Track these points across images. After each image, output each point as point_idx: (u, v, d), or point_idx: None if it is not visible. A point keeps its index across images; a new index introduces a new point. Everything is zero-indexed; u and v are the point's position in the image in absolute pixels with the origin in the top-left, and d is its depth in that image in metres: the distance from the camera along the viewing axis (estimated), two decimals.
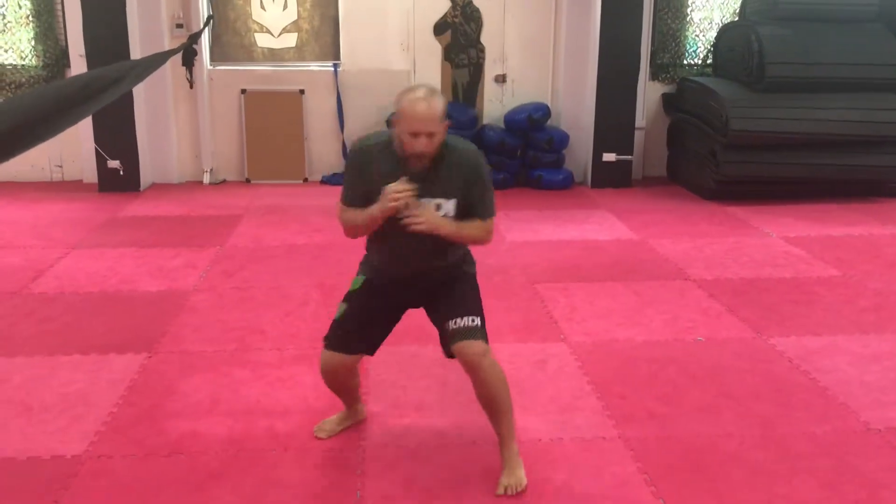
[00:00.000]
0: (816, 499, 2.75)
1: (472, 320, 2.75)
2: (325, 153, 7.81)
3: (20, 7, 7.34)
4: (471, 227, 2.76)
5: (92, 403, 3.36)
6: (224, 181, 7.77)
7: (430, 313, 2.93)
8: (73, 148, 7.46)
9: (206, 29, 7.39)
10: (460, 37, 7.76)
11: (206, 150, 7.67)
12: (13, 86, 7.37)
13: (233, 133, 7.73)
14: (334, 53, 7.72)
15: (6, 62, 7.42)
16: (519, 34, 7.80)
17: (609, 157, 7.50)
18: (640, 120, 7.75)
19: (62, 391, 3.47)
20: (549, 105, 7.69)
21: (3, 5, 7.34)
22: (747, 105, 6.77)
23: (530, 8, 7.74)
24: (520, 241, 5.77)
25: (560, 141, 7.53)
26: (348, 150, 2.84)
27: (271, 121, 7.66)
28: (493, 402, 2.78)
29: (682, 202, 7.06)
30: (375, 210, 2.66)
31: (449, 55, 7.79)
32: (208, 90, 7.58)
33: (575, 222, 6.36)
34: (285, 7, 7.62)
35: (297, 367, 3.71)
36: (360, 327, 2.88)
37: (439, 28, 7.73)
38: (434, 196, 2.69)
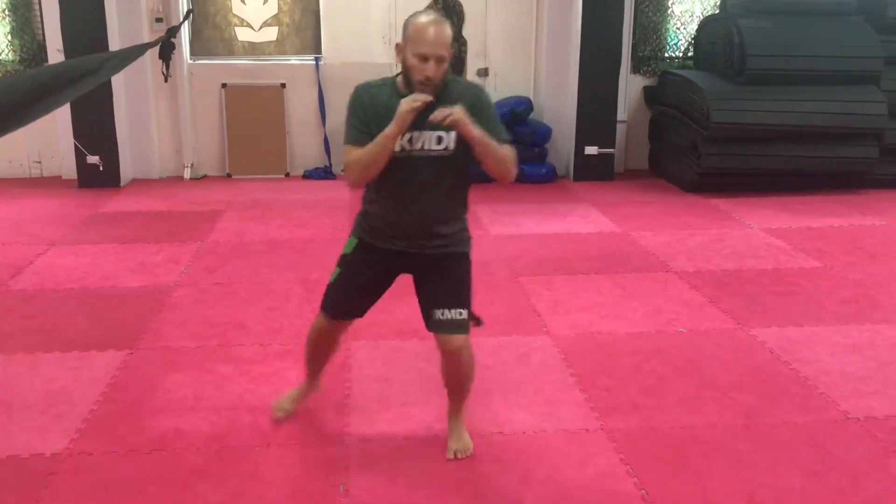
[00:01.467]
0: (799, 487, 2.77)
1: (460, 313, 2.75)
2: (306, 147, 7.77)
3: None
4: (497, 145, 2.66)
5: (73, 401, 3.33)
6: (205, 176, 7.72)
7: (419, 286, 2.85)
8: (51, 144, 7.38)
9: (186, 23, 7.33)
10: None
11: (187, 145, 7.61)
12: None
13: (214, 128, 7.68)
14: (315, 47, 7.68)
15: None
16: (501, 28, 7.80)
17: (591, 150, 7.51)
18: (622, 113, 7.77)
19: (43, 389, 3.44)
20: (532, 99, 7.69)
21: None
22: (728, 97, 6.80)
23: (512, 1, 7.73)
24: (503, 234, 5.77)
25: (542, 135, 7.53)
26: (350, 97, 2.73)
27: (252, 115, 7.61)
28: (459, 385, 2.91)
29: (663, 195, 7.08)
30: (390, 128, 2.53)
31: None
32: (189, 85, 7.53)
33: (558, 216, 6.37)
34: (265, 1, 7.57)
35: (280, 363, 3.69)
36: (352, 292, 2.88)
37: None
38: (435, 128, 2.62)
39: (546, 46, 7.69)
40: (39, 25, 7.27)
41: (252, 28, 7.64)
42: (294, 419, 3.19)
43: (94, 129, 7.02)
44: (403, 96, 2.60)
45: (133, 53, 2.67)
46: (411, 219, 2.73)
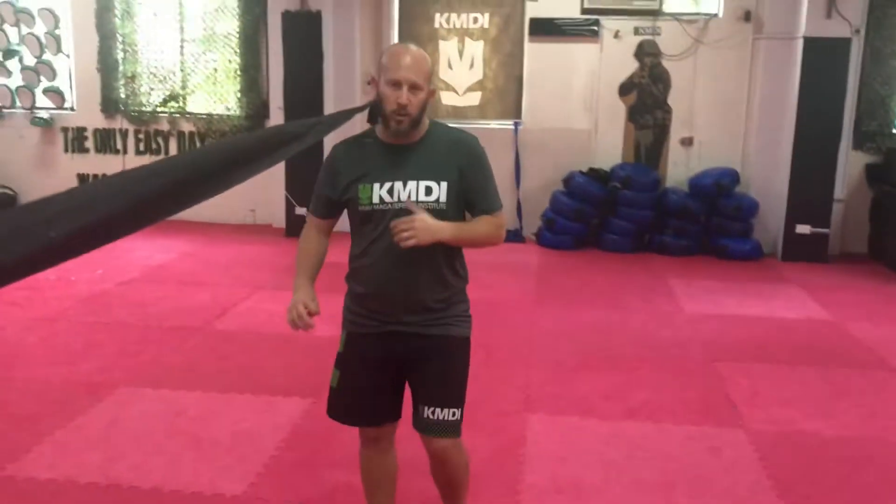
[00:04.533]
0: None
1: (453, 413, 2.39)
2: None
3: (230, 62, 7.96)
4: (478, 224, 2.37)
5: (256, 444, 3.43)
6: None
7: (411, 376, 2.45)
8: (265, 194, 7.92)
9: None
10: (646, 97, 7.58)
11: None
12: (218, 133, 8.00)
13: None
14: (516, 112, 7.77)
15: (215, 111, 8.07)
16: (709, 96, 7.52)
17: (803, 228, 7.01)
18: (840, 191, 7.21)
19: (232, 429, 3.58)
20: (739, 170, 7.33)
21: (216, 61, 8.01)
22: None
23: (723, 69, 7.45)
24: (700, 313, 5.43)
25: (749, 209, 7.13)
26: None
27: None
28: (450, 485, 2.58)
29: (884, 282, 6.43)
30: (297, 288, 2.53)
31: (633, 116, 7.63)
32: None
33: (762, 297, 5.93)
34: (472, 66, 7.78)
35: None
36: (358, 394, 2.48)
37: (625, 88, 7.60)
38: (423, 178, 2.31)
39: (758, 117, 7.33)
40: (265, 85, 7.89)
41: (457, 93, 7.86)
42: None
43: (305, 183, 7.41)
44: (381, 140, 2.39)
45: (341, 117, 2.75)
46: (395, 287, 2.35)
